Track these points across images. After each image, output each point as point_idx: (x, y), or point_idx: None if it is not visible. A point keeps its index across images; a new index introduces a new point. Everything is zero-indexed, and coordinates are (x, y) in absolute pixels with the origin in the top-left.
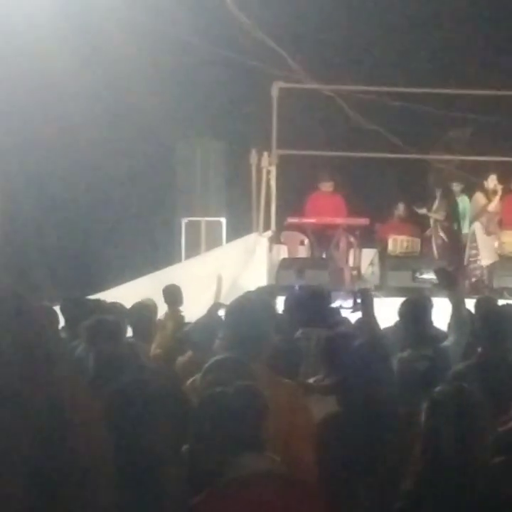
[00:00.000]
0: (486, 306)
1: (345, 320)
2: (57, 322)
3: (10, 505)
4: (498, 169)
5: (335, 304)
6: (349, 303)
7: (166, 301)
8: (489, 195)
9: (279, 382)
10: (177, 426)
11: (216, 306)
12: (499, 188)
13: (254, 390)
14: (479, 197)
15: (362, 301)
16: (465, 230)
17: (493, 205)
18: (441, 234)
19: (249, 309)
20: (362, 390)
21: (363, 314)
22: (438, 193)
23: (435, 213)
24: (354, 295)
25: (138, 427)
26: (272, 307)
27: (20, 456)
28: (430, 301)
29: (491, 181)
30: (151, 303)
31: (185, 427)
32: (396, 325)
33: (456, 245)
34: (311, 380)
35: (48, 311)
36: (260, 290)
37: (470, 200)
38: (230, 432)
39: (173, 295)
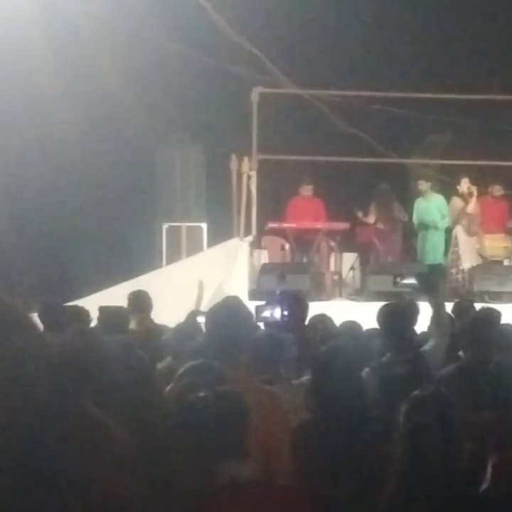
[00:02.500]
0: (465, 310)
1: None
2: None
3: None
4: (472, 172)
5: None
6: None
7: (131, 307)
8: (465, 198)
9: (257, 387)
10: (153, 432)
11: (194, 312)
12: (473, 189)
13: (235, 395)
14: (456, 201)
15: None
16: (442, 227)
17: (471, 206)
18: (374, 239)
19: (228, 315)
20: (327, 396)
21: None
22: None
23: (366, 217)
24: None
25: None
26: (250, 312)
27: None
28: (414, 306)
29: (464, 184)
30: (123, 309)
31: (161, 433)
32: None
33: (394, 247)
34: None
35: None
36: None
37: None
38: (212, 440)
39: (140, 301)
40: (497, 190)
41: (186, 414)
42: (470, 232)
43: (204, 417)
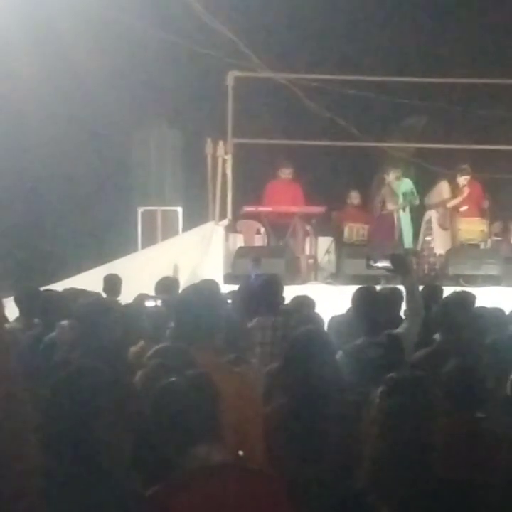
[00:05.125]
0: (435, 294)
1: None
2: None
3: None
4: (450, 156)
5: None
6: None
7: (105, 289)
8: (454, 190)
9: (227, 370)
10: (122, 416)
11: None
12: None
13: (206, 378)
14: (444, 188)
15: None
16: (407, 212)
17: (454, 202)
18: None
19: (198, 298)
20: (302, 379)
21: None
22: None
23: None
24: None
25: (79, 415)
26: (220, 296)
27: None
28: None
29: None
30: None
31: (130, 416)
32: (348, 312)
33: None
34: (266, 369)
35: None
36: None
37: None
38: (183, 423)
39: (114, 284)
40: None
41: (157, 398)
42: (442, 226)
43: (175, 401)
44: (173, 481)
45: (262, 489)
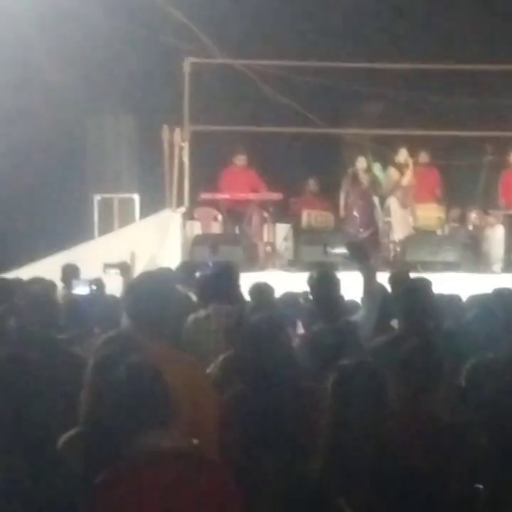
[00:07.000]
0: (402, 280)
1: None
2: None
3: None
4: (407, 143)
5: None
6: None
7: (63, 279)
8: (401, 169)
9: (179, 358)
10: (69, 403)
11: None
12: (410, 161)
13: (145, 365)
14: (392, 172)
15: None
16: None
17: (406, 179)
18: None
19: (147, 286)
20: (258, 366)
21: None
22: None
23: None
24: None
25: (11, 403)
26: (172, 284)
27: None
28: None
29: (401, 155)
30: (49, 282)
31: (77, 404)
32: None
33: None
34: (221, 357)
35: None
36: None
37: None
38: (128, 410)
39: (71, 274)
40: (422, 157)
41: (103, 386)
42: (404, 205)
43: (118, 389)
44: (118, 467)
45: (209, 476)
